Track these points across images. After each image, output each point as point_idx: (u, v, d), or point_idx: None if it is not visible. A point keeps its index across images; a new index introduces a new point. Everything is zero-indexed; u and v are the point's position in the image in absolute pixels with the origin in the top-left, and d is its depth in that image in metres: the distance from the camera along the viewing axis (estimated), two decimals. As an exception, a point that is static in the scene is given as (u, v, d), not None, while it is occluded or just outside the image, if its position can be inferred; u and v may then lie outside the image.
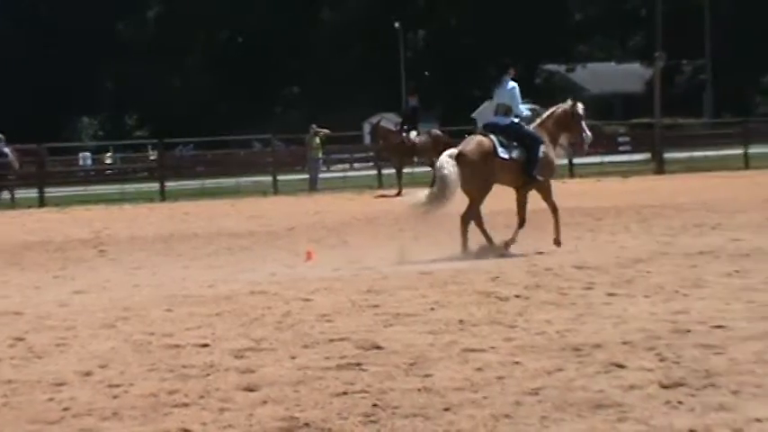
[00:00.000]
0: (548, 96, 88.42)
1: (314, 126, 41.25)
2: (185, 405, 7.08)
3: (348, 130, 56.10)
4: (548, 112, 16.52)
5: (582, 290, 11.39)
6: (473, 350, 8.43)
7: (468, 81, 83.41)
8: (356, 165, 48.38)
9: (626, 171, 41.22)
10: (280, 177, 39.88)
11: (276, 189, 38.81)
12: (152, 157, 49.80)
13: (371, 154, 45.76)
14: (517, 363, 7.93)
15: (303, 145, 42.55)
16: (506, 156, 15.71)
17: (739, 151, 43.04)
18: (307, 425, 6.51)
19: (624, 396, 6.81)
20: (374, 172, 41.71)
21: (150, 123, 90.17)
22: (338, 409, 6.85)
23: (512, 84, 16.24)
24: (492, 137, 15.84)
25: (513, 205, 16.31)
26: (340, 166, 48.14)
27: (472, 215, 15.75)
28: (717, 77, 78.56)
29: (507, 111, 16.08)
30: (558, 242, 15.61)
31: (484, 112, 79.04)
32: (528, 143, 15.87)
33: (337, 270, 14.15)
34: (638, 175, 40.00)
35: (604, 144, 51.22)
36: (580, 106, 16.68)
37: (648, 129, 50.96)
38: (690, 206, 22.65)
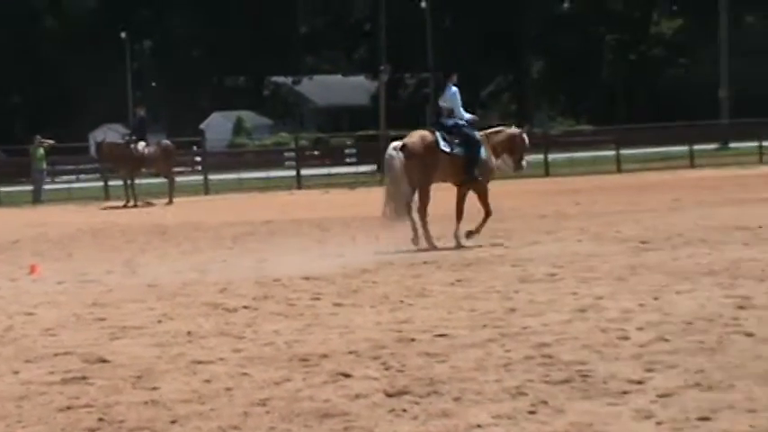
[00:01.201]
0: (276, 109, 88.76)
1: (38, 137, 40.25)
2: None
3: (74, 141, 55.00)
4: (493, 129, 17.98)
5: (309, 300, 11.49)
6: (201, 362, 8.40)
7: (195, 92, 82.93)
8: (82, 176, 47.45)
9: (352, 182, 41.77)
10: (2, 189, 38.70)
11: (-1, 200, 37.70)
12: None
13: (98, 165, 44.99)
14: (245, 374, 7.94)
15: (27, 155, 41.40)
16: (448, 149, 16.78)
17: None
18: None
19: (350, 405, 6.91)
20: (100, 183, 40.97)
21: None
22: (62, 424, 6.71)
23: (453, 89, 17.47)
24: (436, 132, 16.98)
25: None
26: (65, 178, 47.11)
27: (424, 210, 16.85)
28: (439, 91, 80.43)
29: (450, 113, 17.35)
30: (472, 234, 16.68)
31: (212, 123, 78.71)
32: (469, 143, 17.03)
33: (62, 283, 13.85)
34: (364, 186, 40.56)
35: (331, 156, 51.94)
36: (526, 137, 18.24)
37: (374, 141, 51.86)
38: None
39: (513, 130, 18.28)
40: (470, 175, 17.11)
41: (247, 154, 59.77)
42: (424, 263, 14.39)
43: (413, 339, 8.98)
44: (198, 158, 45.05)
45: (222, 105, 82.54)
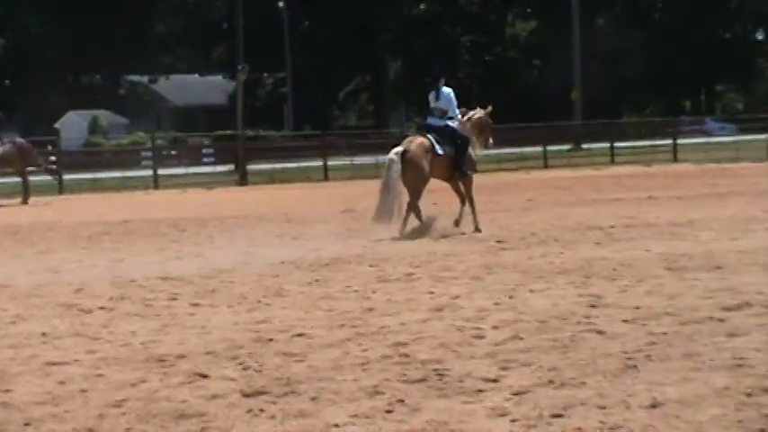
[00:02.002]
0: (132, 108, 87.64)
1: None
2: None
3: None
4: (470, 114, 19.01)
5: (166, 301, 11.40)
6: (55, 363, 8.28)
7: (50, 91, 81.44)
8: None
9: (210, 182, 41.49)
10: None
11: None
12: None
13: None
14: (101, 375, 7.86)
15: None
16: (441, 152, 18.05)
17: (319, 163, 44.37)
18: None
19: (207, 406, 6.88)
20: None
21: None
22: None
23: (447, 90, 18.56)
24: (429, 136, 18.11)
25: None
26: None
27: (414, 205, 17.91)
28: (297, 91, 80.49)
29: (443, 114, 18.45)
30: (478, 229, 17.75)
31: (67, 122, 77.18)
32: (459, 143, 18.30)
33: None
34: (221, 186, 40.38)
35: (188, 155, 51.52)
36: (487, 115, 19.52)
37: (232, 141, 51.64)
38: (272, 217, 23.10)
39: (480, 112, 19.33)
40: (460, 171, 18.43)
41: (103, 153, 58.89)
42: (282, 263, 14.38)
43: (270, 339, 8.98)
44: (53, 158, 44.20)
45: (78, 104, 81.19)
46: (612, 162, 45.05)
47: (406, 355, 8.14)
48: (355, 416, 6.53)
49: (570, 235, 16.59)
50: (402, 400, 6.83)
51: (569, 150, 51.81)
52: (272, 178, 42.92)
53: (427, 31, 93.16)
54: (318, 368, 7.83)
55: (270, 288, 12.09)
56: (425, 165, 17.89)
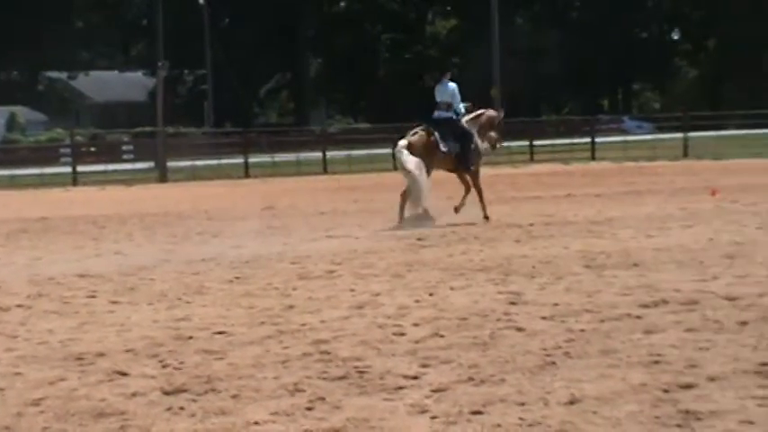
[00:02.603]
0: (51, 104, 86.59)
1: None
2: None
3: None
4: (477, 113, 19.75)
5: (85, 298, 11.31)
6: (-28, 363, 8.19)
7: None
8: None
9: (129, 179, 41.22)
10: None
11: None
12: None
13: None
14: (19, 374, 7.78)
15: None
16: (446, 149, 18.83)
17: (239, 160, 44.24)
18: None
19: (127, 404, 6.84)
20: None
21: None
22: None
23: (452, 84, 19.31)
24: (434, 132, 18.83)
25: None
26: None
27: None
28: (217, 88, 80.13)
29: (448, 106, 19.13)
30: (486, 218, 18.66)
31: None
32: (462, 138, 19.07)
33: None
34: (141, 183, 40.14)
35: (108, 152, 51.12)
36: (501, 115, 20.72)
37: (152, 137, 51.30)
38: (192, 214, 23.02)
39: (491, 111, 20.52)
40: (465, 167, 19.26)
41: (21, 150, 58.24)
42: (203, 260, 14.32)
43: (190, 337, 8.95)
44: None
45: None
46: (532, 160, 45.41)
47: (327, 353, 8.14)
48: (276, 413, 6.52)
49: (490, 233, 16.69)
50: (323, 398, 6.83)
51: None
52: (192, 175, 42.70)
53: (348, 28, 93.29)
54: (239, 366, 7.81)
55: (190, 285, 12.03)
56: (428, 158, 18.56)
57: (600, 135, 51.73)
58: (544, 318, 9.23)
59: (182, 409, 6.69)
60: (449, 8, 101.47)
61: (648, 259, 12.69)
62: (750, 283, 10.61)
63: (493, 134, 20.20)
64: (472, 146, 19.29)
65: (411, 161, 18.22)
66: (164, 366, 7.87)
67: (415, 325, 9.15)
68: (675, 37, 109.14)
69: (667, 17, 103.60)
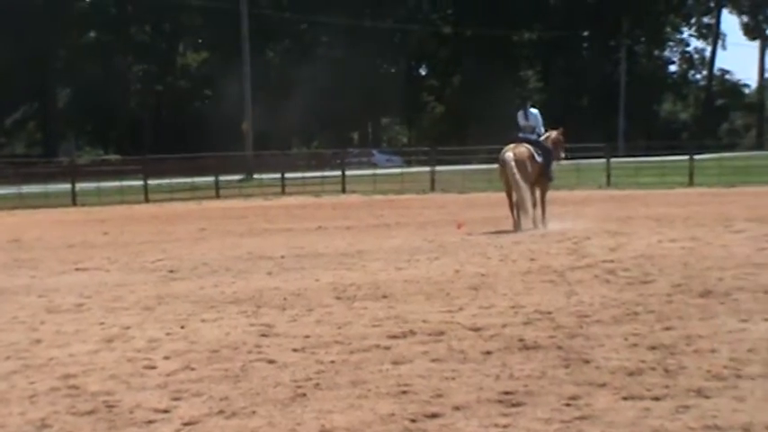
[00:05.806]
0: None
1: None
2: None
3: None
4: (546, 134, 22.74)
5: None
6: None
7: None
8: None
9: None
10: None
11: None
12: None
13: None
14: None
15: None
16: (539, 159, 21.98)
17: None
18: None
19: None
20: None
21: None
22: None
23: (534, 111, 22.71)
24: (528, 146, 21.99)
25: None
26: None
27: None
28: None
29: (532, 130, 22.33)
30: (543, 222, 22.02)
31: None
32: (546, 153, 22.30)
33: None
34: None
35: None
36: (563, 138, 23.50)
37: None
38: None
39: (555, 133, 23.10)
40: (547, 176, 22.42)
41: None
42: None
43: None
44: None
45: None
46: (283, 192, 45.57)
47: (76, 387, 8.02)
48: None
49: (242, 265, 16.70)
50: (71, 433, 6.73)
51: (241, 181, 52.07)
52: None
53: (98, 59, 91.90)
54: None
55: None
56: (529, 166, 21.64)
57: (350, 168, 52.39)
58: (295, 350, 9.31)
59: None
60: (200, 41, 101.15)
61: (397, 291, 12.93)
62: (494, 313, 10.95)
63: (559, 152, 23.15)
64: (552, 161, 22.50)
65: (519, 176, 21.18)
66: None
67: (166, 358, 9.10)
68: (423, 72, 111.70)
69: (414, 53, 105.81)
